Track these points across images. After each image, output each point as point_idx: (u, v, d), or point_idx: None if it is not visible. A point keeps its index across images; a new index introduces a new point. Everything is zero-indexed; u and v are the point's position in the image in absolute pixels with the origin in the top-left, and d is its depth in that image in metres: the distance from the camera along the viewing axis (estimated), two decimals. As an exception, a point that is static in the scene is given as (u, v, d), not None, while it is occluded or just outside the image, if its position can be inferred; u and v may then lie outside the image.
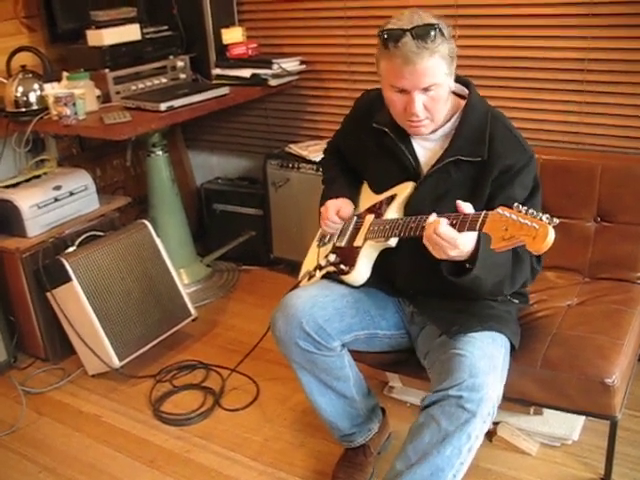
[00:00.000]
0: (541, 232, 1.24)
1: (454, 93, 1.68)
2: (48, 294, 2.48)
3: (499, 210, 1.33)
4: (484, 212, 1.37)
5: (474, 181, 1.60)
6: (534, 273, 1.65)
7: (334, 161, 1.98)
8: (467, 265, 1.46)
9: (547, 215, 1.26)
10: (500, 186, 1.58)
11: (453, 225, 1.41)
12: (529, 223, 1.26)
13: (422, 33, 1.48)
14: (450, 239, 1.40)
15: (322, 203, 1.90)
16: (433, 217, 1.46)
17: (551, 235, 1.24)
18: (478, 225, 1.37)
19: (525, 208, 1.29)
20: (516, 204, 1.31)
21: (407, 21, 1.51)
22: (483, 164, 1.60)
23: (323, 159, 2.09)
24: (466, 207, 1.42)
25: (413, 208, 1.64)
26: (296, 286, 1.89)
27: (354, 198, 1.87)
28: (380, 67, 1.58)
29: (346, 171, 1.93)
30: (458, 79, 1.68)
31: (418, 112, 1.55)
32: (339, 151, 1.96)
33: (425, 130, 1.62)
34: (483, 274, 1.46)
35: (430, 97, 1.54)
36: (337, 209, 1.82)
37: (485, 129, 1.61)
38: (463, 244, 1.41)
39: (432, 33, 1.48)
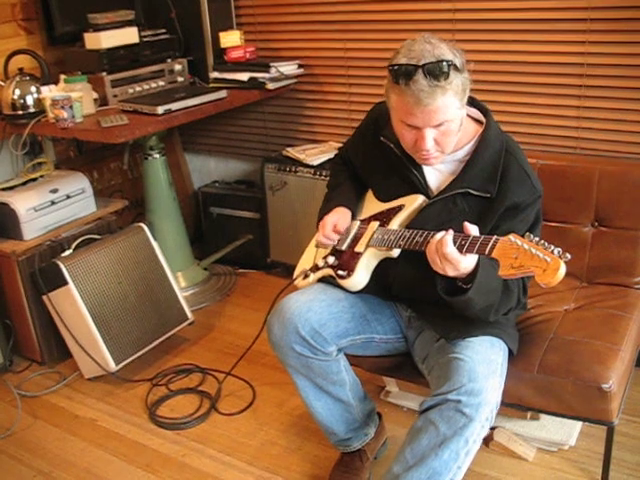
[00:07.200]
0: (553, 266, 1.23)
1: (471, 117, 1.66)
2: (44, 297, 2.47)
3: (511, 237, 1.33)
4: (495, 237, 1.37)
5: (479, 214, 1.59)
6: (519, 304, 1.65)
7: (342, 167, 1.97)
8: (463, 285, 1.46)
9: (559, 249, 1.25)
10: (503, 219, 1.58)
11: (462, 246, 1.41)
12: (541, 255, 1.25)
13: (434, 70, 1.43)
14: (454, 260, 1.40)
15: (323, 207, 1.90)
16: (440, 235, 1.45)
17: (562, 270, 1.22)
18: (488, 249, 1.36)
19: (537, 238, 1.29)
20: (527, 233, 1.31)
21: (418, 53, 1.46)
22: (491, 200, 1.59)
23: (331, 162, 2.07)
24: (472, 229, 1.42)
25: (416, 228, 1.62)
26: (290, 284, 1.89)
27: (354, 206, 1.86)
28: (390, 100, 1.55)
29: (352, 178, 1.92)
30: (476, 104, 1.67)
31: (429, 148, 1.54)
32: (348, 159, 1.95)
33: (435, 162, 1.60)
34: (476, 297, 1.46)
35: (441, 132, 1.52)
36: (334, 224, 1.80)
37: (498, 165, 1.59)
38: (465, 267, 1.41)
39: (445, 69, 1.44)
